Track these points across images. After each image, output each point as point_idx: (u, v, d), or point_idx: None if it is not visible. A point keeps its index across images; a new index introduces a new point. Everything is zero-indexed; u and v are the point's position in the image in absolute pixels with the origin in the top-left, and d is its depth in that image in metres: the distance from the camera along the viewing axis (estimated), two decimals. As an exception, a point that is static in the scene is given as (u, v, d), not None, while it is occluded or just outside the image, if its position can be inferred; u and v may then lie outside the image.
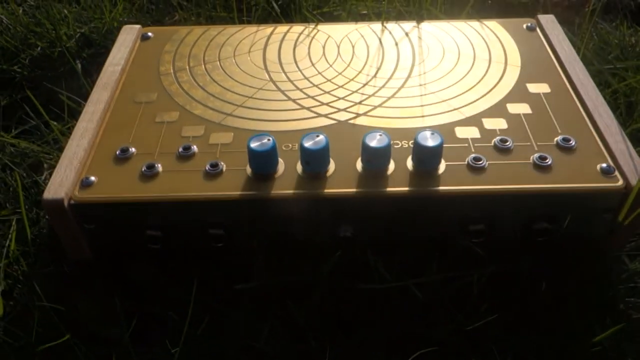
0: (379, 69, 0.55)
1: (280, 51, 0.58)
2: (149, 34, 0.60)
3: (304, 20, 0.73)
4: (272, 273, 0.44)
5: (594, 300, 0.44)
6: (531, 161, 0.44)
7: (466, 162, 0.44)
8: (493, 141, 0.46)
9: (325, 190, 0.43)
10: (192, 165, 0.45)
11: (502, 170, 0.44)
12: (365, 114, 0.49)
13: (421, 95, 0.51)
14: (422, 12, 0.73)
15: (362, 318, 0.43)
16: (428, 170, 0.43)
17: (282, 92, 0.52)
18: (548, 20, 0.60)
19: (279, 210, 0.43)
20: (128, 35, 0.60)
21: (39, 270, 0.47)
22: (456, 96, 0.51)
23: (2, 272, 0.47)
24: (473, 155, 0.44)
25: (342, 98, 0.51)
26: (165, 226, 0.44)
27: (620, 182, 0.42)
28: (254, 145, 0.42)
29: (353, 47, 0.58)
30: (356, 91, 0.52)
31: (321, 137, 0.43)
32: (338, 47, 0.58)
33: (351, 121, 0.49)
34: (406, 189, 0.42)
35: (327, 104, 0.51)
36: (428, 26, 0.61)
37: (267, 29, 0.61)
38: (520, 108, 0.49)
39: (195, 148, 0.46)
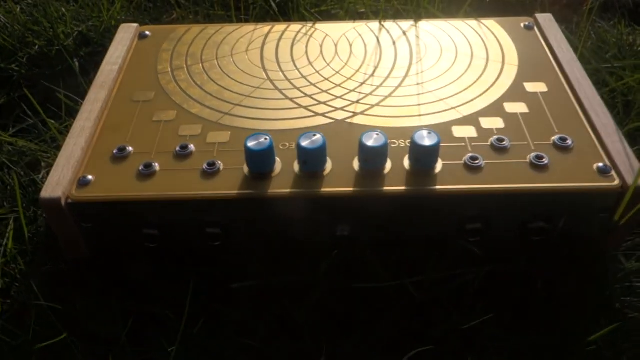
0: (376, 67, 0.55)
1: (277, 50, 0.58)
2: (147, 32, 0.60)
3: (302, 18, 0.73)
4: (269, 272, 0.44)
5: (590, 299, 0.44)
6: (528, 160, 0.44)
7: (463, 162, 0.44)
8: (490, 140, 0.46)
9: (323, 190, 0.43)
10: (189, 164, 0.45)
11: (499, 170, 0.44)
12: (362, 112, 0.49)
13: (418, 94, 0.51)
14: (420, 10, 0.73)
15: (359, 317, 0.43)
16: (425, 169, 0.44)
17: (280, 90, 0.52)
18: (546, 19, 0.60)
19: (276, 210, 0.43)
20: (126, 34, 0.60)
21: (36, 268, 0.47)
22: (453, 95, 0.51)
23: (0, 270, 0.47)
24: (470, 154, 0.44)
25: (340, 97, 0.51)
26: (163, 225, 0.44)
27: (617, 182, 0.43)
28: (251, 144, 0.42)
29: (351, 45, 0.58)
30: (353, 90, 0.52)
31: (318, 136, 0.43)
32: (336, 45, 0.58)
33: (348, 120, 0.49)
34: (403, 188, 0.42)
35: (324, 103, 0.51)
36: (426, 25, 0.61)
37: (264, 28, 0.61)
38: (518, 107, 0.49)
39: (192, 147, 0.46)
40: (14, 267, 0.47)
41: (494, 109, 0.49)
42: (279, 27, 0.61)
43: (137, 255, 0.46)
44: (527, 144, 0.46)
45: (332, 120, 0.49)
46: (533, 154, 0.44)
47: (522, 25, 0.60)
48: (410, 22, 0.61)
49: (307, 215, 0.44)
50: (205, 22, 0.76)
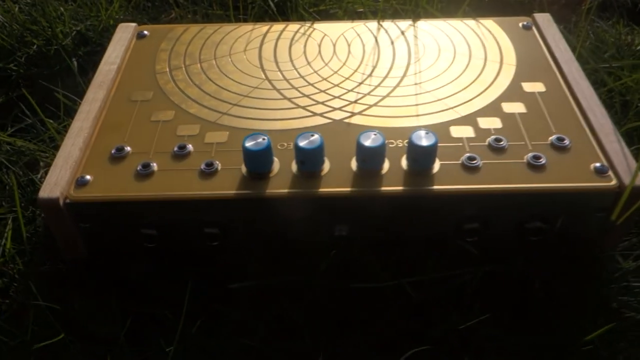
0: (374, 67, 0.55)
1: (276, 50, 0.58)
2: (145, 32, 0.60)
3: (300, 18, 0.74)
4: (267, 272, 0.45)
5: (587, 299, 0.44)
6: (525, 160, 0.44)
7: (461, 162, 0.44)
8: (487, 140, 0.46)
9: (320, 190, 0.43)
10: (187, 164, 0.45)
11: (497, 170, 0.44)
12: (360, 112, 0.49)
13: (416, 94, 0.51)
14: (418, 10, 0.73)
15: (357, 317, 0.43)
16: (423, 169, 0.44)
17: (278, 90, 0.52)
18: (544, 19, 0.60)
19: (274, 210, 0.43)
20: (124, 34, 0.60)
21: (34, 268, 0.47)
22: (451, 95, 0.51)
23: (-2, 270, 0.47)
24: (467, 154, 0.44)
25: (338, 97, 0.51)
26: (161, 225, 0.44)
27: (614, 182, 0.43)
28: (249, 144, 0.42)
29: (349, 45, 0.58)
30: (351, 90, 0.52)
31: (316, 136, 0.43)
32: (334, 45, 0.58)
33: (346, 120, 0.49)
34: (401, 188, 0.43)
35: (322, 103, 0.51)
36: (424, 24, 0.61)
37: (263, 28, 0.61)
38: (515, 107, 0.49)
39: (190, 147, 0.46)
40: (12, 267, 0.47)
41: (492, 109, 0.49)
42: (277, 26, 0.61)
43: (136, 255, 0.46)
44: (525, 144, 0.46)
45: (330, 120, 0.49)
46: (530, 154, 0.44)
47: (520, 25, 0.60)
48: (409, 22, 0.61)
49: (305, 215, 0.44)
50: (203, 21, 0.76)
